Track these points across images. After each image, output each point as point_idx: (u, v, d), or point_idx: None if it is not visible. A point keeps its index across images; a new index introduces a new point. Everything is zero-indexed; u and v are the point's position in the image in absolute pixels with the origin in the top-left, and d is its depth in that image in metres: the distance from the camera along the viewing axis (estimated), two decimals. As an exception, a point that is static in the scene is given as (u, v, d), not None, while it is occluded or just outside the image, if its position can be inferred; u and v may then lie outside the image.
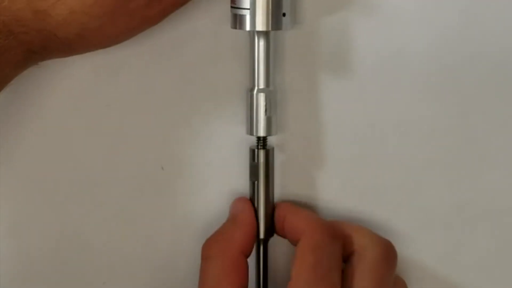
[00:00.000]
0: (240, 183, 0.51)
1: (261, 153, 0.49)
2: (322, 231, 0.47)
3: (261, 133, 0.49)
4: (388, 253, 0.48)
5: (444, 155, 0.51)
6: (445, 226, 0.52)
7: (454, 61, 0.50)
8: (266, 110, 0.48)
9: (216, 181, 0.52)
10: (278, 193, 0.51)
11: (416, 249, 0.52)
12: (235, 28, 0.47)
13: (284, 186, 0.52)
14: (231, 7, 0.47)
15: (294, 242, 0.48)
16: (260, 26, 0.47)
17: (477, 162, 0.52)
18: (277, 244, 0.51)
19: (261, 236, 0.50)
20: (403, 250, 0.51)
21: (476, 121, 0.51)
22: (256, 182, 0.50)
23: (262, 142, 0.49)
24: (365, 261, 0.47)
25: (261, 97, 0.48)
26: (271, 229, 0.50)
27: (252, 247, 0.50)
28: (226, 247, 0.48)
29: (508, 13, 0.49)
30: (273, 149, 0.50)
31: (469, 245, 0.52)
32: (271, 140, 0.50)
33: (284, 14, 0.47)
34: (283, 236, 0.50)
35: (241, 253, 0.48)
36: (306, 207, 0.52)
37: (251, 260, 0.50)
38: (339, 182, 0.51)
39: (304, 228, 0.48)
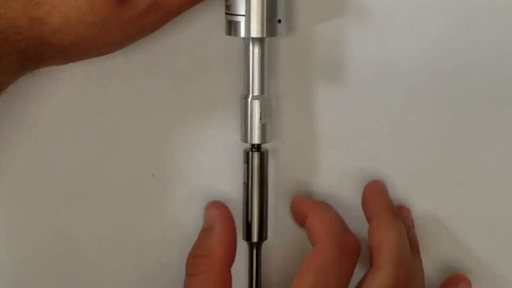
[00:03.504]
0: (232, 190, 0.51)
1: (255, 155, 0.49)
2: (335, 244, 0.46)
3: (256, 140, 0.49)
4: (398, 284, 0.45)
5: (437, 163, 0.52)
6: (438, 234, 0.52)
7: (446, 69, 0.50)
8: (260, 118, 0.48)
9: (208, 188, 0.52)
10: (272, 199, 0.51)
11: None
12: (230, 34, 0.47)
13: (278, 192, 0.52)
14: (226, 13, 0.47)
15: (311, 244, 0.48)
16: (255, 32, 0.47)
17: (470, 169, 0.52)
18: (270, 248, 0.52)
19: (254, 239, 0.50)
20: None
21: (469, 129, 0.51)
22: (250, 185, 0.50)
23: (256, 149, 0.49)
24: (372, 284, 0.46)
25: (256, 104, 0.48)
26: (264, 233, 0.50)
27: (234, 255, 0.49)
28: (208, 263, 0.48)
29: (500, 23, 0.50)
30: (267, 151, 0.50)
31: (462, 253, 0.53)
32: (265, 147, 0.50)
33: (279, 21, 0.47)
34: (303, 228, 0.49)
35: (223, 266, 0.48)
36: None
37: (244, 265, 0.51)
38: (332, 189, 0.51)
39: (319, 236, 0.47)
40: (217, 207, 0.50)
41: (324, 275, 0.46)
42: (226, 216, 0.50)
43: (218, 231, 0.49)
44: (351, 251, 0.47)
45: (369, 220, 0.49)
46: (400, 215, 0.50)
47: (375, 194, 0.50)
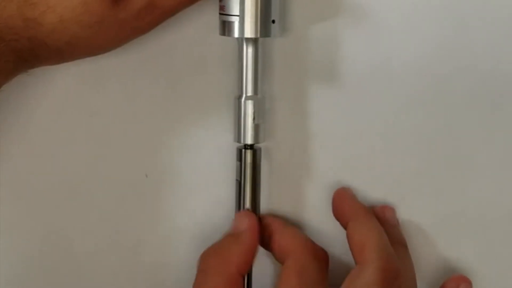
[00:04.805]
0: (226, 191, 0.51)
1: (248, 153, 0.49)
2: (308, 253, 0.48)
3: (249, 140, 0.49)
4: (387, 276, 0.46)
5: (431, 165, 0.52)
6: (432, 236, 0.53)
7: (441, 71, 0.50)
8: (254, 118, 0.48)
9: (201, 189, 0.52)
10: (265, 200, 0.51)
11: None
12: (224, 35, 0.47)
13: (271, 193, 0.52)
14: (220, 13, 0.47)
15: (280, 261, 0.49)
16: (248, 33, 0.47)
17: (464, 171, 0.52)
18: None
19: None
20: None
21: (463, 131, 0.51)
22: (242, 183, 0.50)
23: (249, 148, 0.49)
24: (361, 279, 0.46)
25: (249, 105, 0.48)
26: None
27: (251, 266, 0.49)
28: (225, 264, 0.48)
29: (496, 24, 0.50)
30: (260, 149, 0.50)
31: (455, 255, 0.53)
32: (258, 147, 0.50)
33: (273, 21, 0.47)
34: (268, 250, 0.50)
35: (238, 272, 0.48)
36: (291, 222, 0.52)
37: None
38: (325, 190, 0.52)
39: (291, 249, 0.48)
40: (249, 217, 0.49)
41: (305, 277, 0.46)
42: (255, 227, 0.49)
43: (243, 240, 0.49)
44: (323, 257, 0.48)
45: (344, 225, 0.49)
46: (385, 215, 0.51)
47: (346, 199, 0.51)
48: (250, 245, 0.49)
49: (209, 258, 0.48)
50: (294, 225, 0.52)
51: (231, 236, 0.49)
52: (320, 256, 0.48)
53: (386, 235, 0.48)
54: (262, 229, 0.50)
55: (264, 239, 0.50)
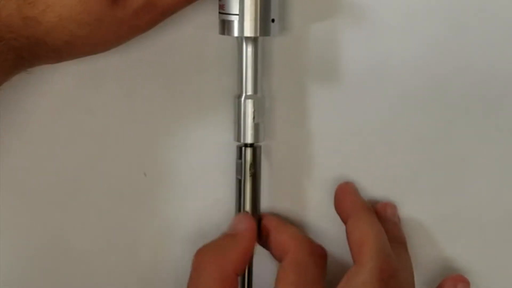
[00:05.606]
0: (225, 190, 0.51)
1: (248, 150, 0.49)
2: (306, 250, 0.48)
3: (249, 139, 0.49)
4: (383, 276, 0.46)
5: (430, 164, 0.52)
6: (430, 235, 0.53)
7: (440, 71, 0.50)
8: (254, 117, 0.48)
9: (200, 188, 0.52)
10: (265, 199, 0.51)
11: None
12: (223, 34, 0.47)
13: (271, 192, 0.52)
14: (219, 13, 0.47)
15: (278, 259, 0.49)
16: (248, 32, 0.47)
17: (462, 171, 0.52)
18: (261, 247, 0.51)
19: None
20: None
21: (462, 130, 0.51)
22: (242, 181, 0.50)
23: (249, 147, 0.49)
24: (358, 279, 0.46)
25: (249, 104, 0.48)
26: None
27: (245, 267, 0.49)
28: (221, 262, 0.47)
29: (493, 25, 0.50)
30: (260, 147, 0.50)
31: (454, 254, 0.53)
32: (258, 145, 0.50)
33: (273, 20, 0.47)
34: (266, 248, 0.50)
35: (234, 271, 0.47)
36: (291, 221, 0.52)
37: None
38: (325, 189, 0.52)
39: (288, 246, 0.48)
40: (248, 219, 0.49)
41: (303, 275, 0.47)
42: (253, 229, 0.49)
43: (241, 240, 0.48)
44: (321, 254, 0.48)
45: (344, 220, 0.49)
46: (386, 212, 0.51)
47: (348, 194, 0.51)
48: (247, 246, 0.48)
49: (204, 256, 0.48)
50: (292, 223, 0.52)
51: (228, 236, 0.49)
52: (317, 253, 0.48)
53: (385, 233, 0.48)
54: (261, 227, 0.50)
55: (262, 237, 0.50)
